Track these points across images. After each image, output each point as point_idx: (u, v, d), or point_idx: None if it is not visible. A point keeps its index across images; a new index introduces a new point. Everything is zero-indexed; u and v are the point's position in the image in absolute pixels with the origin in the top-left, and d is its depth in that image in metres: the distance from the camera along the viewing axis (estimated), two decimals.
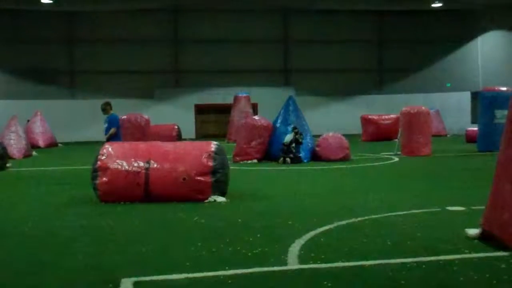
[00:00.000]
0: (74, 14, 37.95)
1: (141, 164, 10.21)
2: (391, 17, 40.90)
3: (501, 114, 19.71)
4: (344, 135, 19.97)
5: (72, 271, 5.88)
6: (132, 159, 10.28)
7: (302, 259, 6.17)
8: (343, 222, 8.10)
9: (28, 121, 30.11)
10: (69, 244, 7.12)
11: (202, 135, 37.87)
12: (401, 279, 5.41)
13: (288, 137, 18.30)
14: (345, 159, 18.66)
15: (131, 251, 6.67)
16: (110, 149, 10.58)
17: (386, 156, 20.39)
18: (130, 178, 10.10)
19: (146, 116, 22.82)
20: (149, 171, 10.13)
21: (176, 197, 10.03)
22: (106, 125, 13.80)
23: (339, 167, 16.89)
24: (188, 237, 7.33)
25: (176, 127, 30.60)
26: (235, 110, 32.17)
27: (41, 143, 29.19)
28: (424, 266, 5.81)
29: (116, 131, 13.84)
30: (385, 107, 37.61)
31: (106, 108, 14.05)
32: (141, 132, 21.63)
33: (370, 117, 32.25)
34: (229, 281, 5.42)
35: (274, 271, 5.76)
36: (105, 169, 10.21)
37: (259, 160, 18.84)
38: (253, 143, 18.89)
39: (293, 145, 18.19)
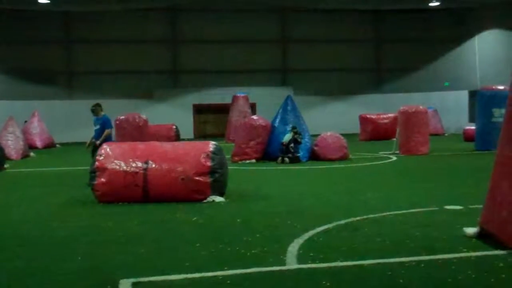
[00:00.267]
0: (71, 14, 37.89)
1: (140, 164, 10.20)
2: (389, 16, 40.89)
3: (499, 113, 19.73)
4: (342, 134, 19.97)
5: (71, 272, 5.88)
6: (131, 160, 10.28)
7: (301, 259, 6.18)
8: (342, 222, 8.11)
9: (26, 121, 30.07)
10: (67, 245, 7.12)
11: (200, 135, 37.85)
12: (400, 278, 5.42)
13: (287, 137, 18.31)
14: (343, 158, 18.67)
15: (129, 252, 6.67)
16: (108, 149, 10.58)
17: (384, 155, 20.40)
18: (129, 179, 10.10)
19: (144, 116, 22.73)
20: (147, 171, 10.13)
21: (174, 197, 10.04)
22: (97, 127, 13.37)
23: (337, 166, 16.90)
24: (186, 238, 7.33)
25: (175, 127, 30.58)
26: (233, 110, 32.15)
27: (38, 143, 29.16)
28: (422, 265, 5.82)
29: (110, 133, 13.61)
30: (383, 107, 37.61)
31: (96, 109, 13.57)
32: (139, 132, 21.54)
33: (368, 116, 32.25)
34: (228, 281, 5.43)
35: (273, 271, 5.77)
36: (103, 169, 10.21)
37: (258, 160, 18.84)
38: (252, 143, 18.89)
39: (292, 144, 18.19)
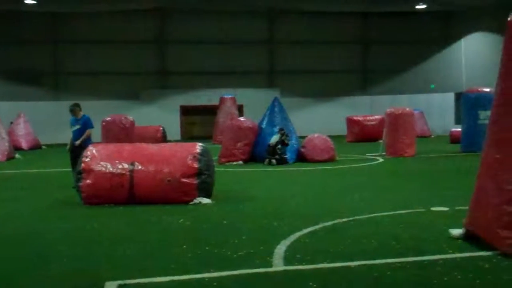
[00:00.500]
0: (58, 14, 37.64)
1: (126, 166, 10.16)
2: (375, 19, 41.06)
3: (484, 115, 19.86)
4: (329, 136, 20.00)
5: (56, 275, 5.84)
6: (117, 161, 10.23)
7: (287, 260, 6.17)
8: (329, 223, 8.12)
9: (11, 123, 29.85)
10: (53, 247, 7.07)
11: (187, 136, 37.75)
12: (386, 279, 5.43)
13: (274, 138, 18.31)
14: (330, 160, 18.70)
15: (115, 254, 6.64)
16: (94, 151, 10.52)
17: (371, 157, 20.46)
18: (115, 180, 10.04)
19: (130, 118, 22.66)
20: (133, 173, 10.08)
21: (161, 199, 9.99)
22: (76, 127, 12.97)
23: (324, 168, 16.92)
24: (173, 240, 7.31)
25: (161, 128, 30.51)
26: (220, 111, 32.13)
27: (24, 145, 28.96)
28: (408, 266, 5.84)
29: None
30: (370, 108, 37.78)
31: (75, 109, 13.16)
32: (126, 133, 21.47)
33: (355, 118, 32.37)
34: (214, 283, 5.41)
35: (259, 273, 5.76)
36: (89, 171, 10.15)
37: (245, 161, 18.84)
38: (239, 145, 18.88)
39: (279, 146, 18.20)
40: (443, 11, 39.18)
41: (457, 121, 34.77)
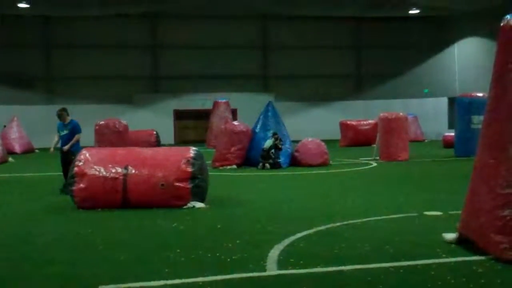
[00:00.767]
0: (51, 18, 37.59)
1: (119, 170, 10.13)
2: (369, 23, 41.16)
3: (477, 120, 19.95)
4: (323, 140, 20.04)
5: (50, 279, 5.82)
6: (110, 165, 10.21)
7: (281, 264, 6.17)
8: (322, 227, 8.12)
9: (5, 126, 29.74)
10: (46, 251, 7.04)
11: (181, 140, 37.70)
12: (380, 283, 5.43)
13: (268, 143, 18.32)
14: (324, 164, 18.72)
15: (109, 258, 6.61)
16: (87, 154, 10.49)
17: (364, 161, 20.50)
18: (108, 184, 10.02)
19: (124, 122, 22.63)
20: (127, 177, 10.06)
21: (154, 203, 9.98)
22: (64, 132, 12.82)
23: (318, 172, 16.94)
24: (166, 244, 7.29)
25: (155, 132, 30.44)
26: (214, 115, 32.12)
27: (17, 149, 28.86)
28: (401, 270, 5.85)
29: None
30: (364, 113, 37.82)
31: (62, 114, 12.99)
32: (119, 138, 21.44)
33: (348, 122, 32.43)
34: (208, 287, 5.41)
35: (253, 277, 5.75)
36: (82, 175, 10.12)
37: (239, 165, 18.82)
38: (233, 149, 18.87)
39: (273, 150, 18.21)
40: (436, 16, 39.32)
41: (450, 126, 34.89)
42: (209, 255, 6.62)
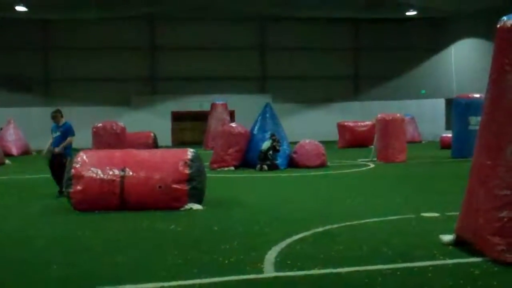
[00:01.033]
0: (49, 21, 37.58)
1: (116, 172, 10.12)
2: (367, 25, 41.22)
3: (475, 121, 19.95)
4: (320, 142, 20.04)
5: (47, 281, 5.81)
6: (107, 167, 10.19)
7: (278, 266, 6.16)
8: (320, 229, 8.12)
9: (1, 129, 29.70)
10: (43, 254, 7.03)
11: (179, 142, 37.68)
12: (377, 285, 5.43)
13: (266, 144, 18.32)
14: (321, 165, 18.71)
15: (106, 260, 6.60)
16: (84, 157, 10.47)
17: (362, 162, 20.50)
18: (105, 187, 10.01)
19: (121, 124, 22.62)
20: (124, 179, 10.04)
21: (152, 205, 9.96)
22: (57, 134, 12.60)
23: (316, 173, 16.93)
24: (164, 246, 7.28)
25: (152, 134, 30.42)
26: (212, 117, 32.10)
27: (14, 151, 28.80)
28: (399, 272, 5.84)
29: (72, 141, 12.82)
30: (361, 114, 37.86)
31: (57, 116, 12.80)
32: (117, 140, 21.42)
33: (346, 124, 32.44)
34: None
35: (250, 279, 5.75)
36: (79, 177, 10.11)
37: (236, 167, 18.81)
38: (230, 150, 18.86)
39: (271, 152, 18.20)
40: (433, 17, 39.39)
41: (448, 127, 34.91)
42: (207, 257, 6.61)
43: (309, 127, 36.64)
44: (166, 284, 5.59)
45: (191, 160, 10.23)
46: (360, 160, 21.43)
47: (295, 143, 20.13)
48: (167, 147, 30.36)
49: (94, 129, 22.40)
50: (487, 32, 31.14)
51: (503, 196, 6.16)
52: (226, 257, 6.56)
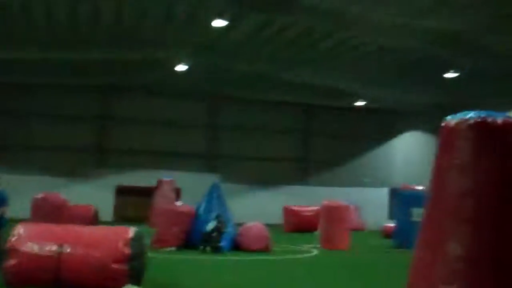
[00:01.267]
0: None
1: (54, 248, 9.76)
2: (319, 111, 42.07)
3: (417, 213, 20.28)
4: (267, 224, 19.95)
5: None
6: (45, 242, 9.83)
7: None
8: None
9: None
10: None
11: (121, 218, 36.81)
12: None
13: (210, 225, 18.11)
14: (266, 249, 18.51)
15: None
16: (21, 230, 10.09)
17: (306, 248, 20.43)
18: (41, 263, 9.61)
19: (63, 196, 22.10)
20: (61, 255, 9.68)
21: (89, 284, 9.57)
22: None
23: (258, 258, 16.73)
24: None
25: (93, 208, 29.65)
26: (157, 194, 31.68)
27: None
28: None
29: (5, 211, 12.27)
30: (309, 199, 38.05)
31: None
32: (57, 212, 20.84)
33: (292, 208, 32.53)
34: None
35: None
36: (14, 251, 9.70)
37: (179, 247, 18.42)
38: (174, 230, 18.51)
39: (215, 233, 17.97)
40: (381, 109, 40.71)
41: (391, 216, 35.41)
42: None
43: (257, 209, 36.40)
44: None
45: (133, 239, 9.97)
46: (304, 245, 21.37)
47: (240, 224, 19.99)
48: (107, 222, 29.62)
49: (34, 201, 21.77)
50: (432, 127, 32.30)
51: None
52: None
